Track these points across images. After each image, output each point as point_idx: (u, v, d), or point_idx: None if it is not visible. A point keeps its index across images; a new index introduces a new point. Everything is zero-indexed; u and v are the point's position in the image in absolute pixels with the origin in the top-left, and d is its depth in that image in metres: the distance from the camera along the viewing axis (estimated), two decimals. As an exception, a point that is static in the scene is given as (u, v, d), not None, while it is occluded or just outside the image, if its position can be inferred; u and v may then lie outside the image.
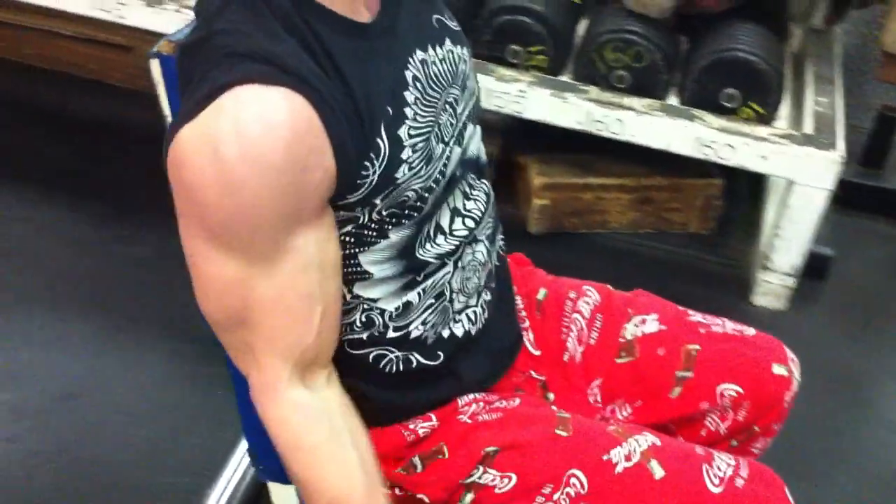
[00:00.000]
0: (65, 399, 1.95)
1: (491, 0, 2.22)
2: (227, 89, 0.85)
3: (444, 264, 1.08)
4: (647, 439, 1.10)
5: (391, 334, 1.08)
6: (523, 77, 2.16)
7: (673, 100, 2.17)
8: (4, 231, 2.36)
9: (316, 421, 0.99)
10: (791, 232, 2.13)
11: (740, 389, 1.20)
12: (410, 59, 1.00)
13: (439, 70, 1.03)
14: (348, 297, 1.04)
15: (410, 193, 0.98)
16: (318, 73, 0.89)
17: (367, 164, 0.93)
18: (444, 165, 1.03)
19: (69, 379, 1.99)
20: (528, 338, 1.27)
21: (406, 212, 1.00)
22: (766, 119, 2.11)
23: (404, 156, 0.96)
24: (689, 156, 2.12)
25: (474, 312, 1.14)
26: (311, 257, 0.93)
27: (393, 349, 1.09)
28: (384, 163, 0.95)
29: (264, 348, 0.95)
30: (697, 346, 1.22)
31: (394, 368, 1.10)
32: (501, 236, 1.24)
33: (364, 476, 1.00)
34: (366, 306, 1.05)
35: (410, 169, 0.97)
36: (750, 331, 1.26)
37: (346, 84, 0.92)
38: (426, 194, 1.00)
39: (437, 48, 1.04)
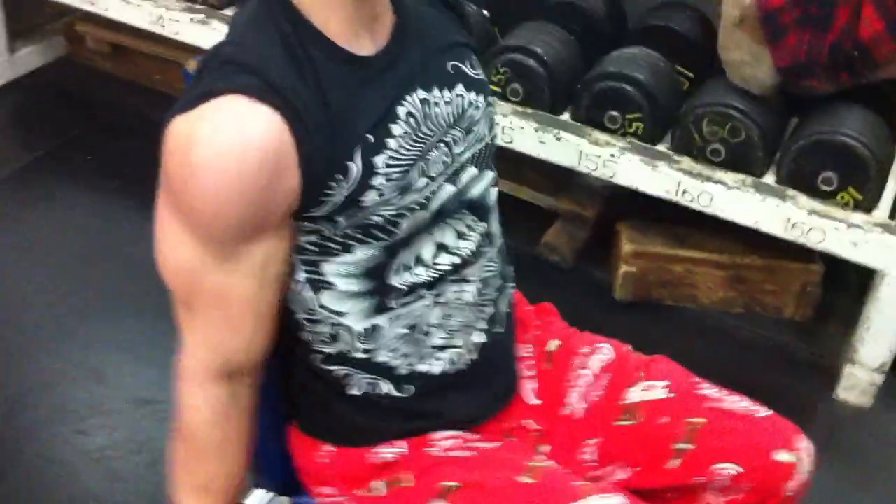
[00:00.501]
0: (140, 403, 2.07)
1: (596, 65, 2.26)
2: (218, 96, 0.93)
3: (420, 296, 1.11)
4: (612, 501, 1.07)
5: (358, 355, 1.12)
6: (616, 142, 2.18)
7: (770, 178, 2.13)
8: (133, 246, 2.53)
9: (224, 419, 1.07)
10: (880, 325, 2.04)
11: (739, 470, 1.16)
12: (409, 96, 1.06)
13: (441, 111, 1.09)
14: (316, 306, 1.09)
15: (377, 218, 1.03)
16: (302, 92, 0.97)
17: (333, 183, 0.99)
18: (426, 199, 1.07)
19: (149, 384, 2.11)
20: (531, 387, 1.28)
21: (372, 232, 1.04)
22: (865, 206, 2.04)
23: (375, 182, 1.02)
24: (780, 237, 2.07)
25: (458, 354, 1.16)
26: (256, 266, 1.00)
27: (360, 371, 1.13)
28: (352, 185, 1.00)
29: (198, 336, 1.03)
30: (702, 420, 1.19)
31: (361, 391, 1.14)
32: (512, 284, 1.26)
33: (235, 480, 1.11)
34: (333, 321, 1.09)
35: (380, 196, 1.02)
36: (764, 411, 1.22)
37: (327, 106, 0.98)
38: (398, 220, 1.05)
39: (445, 91, 1.10)
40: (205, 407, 1.06)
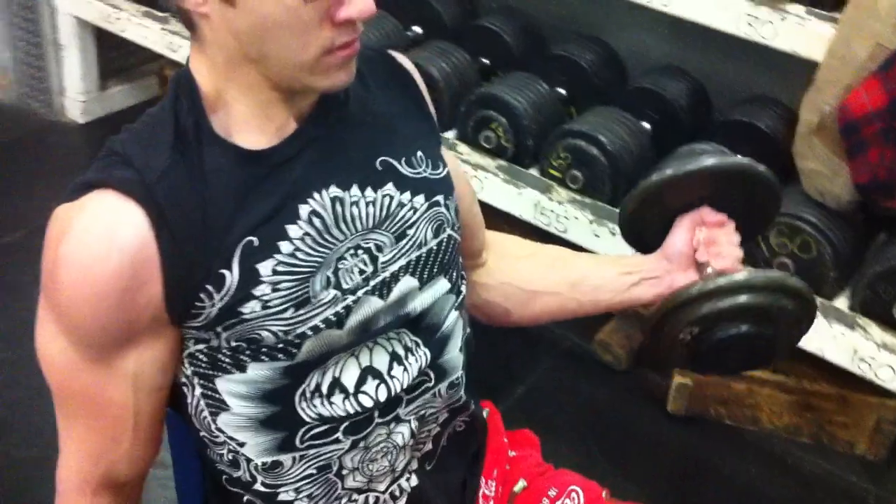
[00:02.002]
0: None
1: (662, 160, 2.10)
2: (93, 188, 0.87)
3: (336, 440, 0.97)
4: None
5: (259, 487, 1.00)
6: (675, 245, 2.01)
7: (841, 302, 1.92)
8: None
9: None
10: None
11: None
12: (316, 194, 0.93)
13: (358, 212, 0.95)
14: (213, 427, 0.98)
15: (265, 333, 0.91)
16: (180, 192, 0.88)
17: (203, 295, 0.89)
18: (337, 315, 0.94)
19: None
20: None
21: (264, 350, 0.92)
22: (947, 346, 1.81)
23: (258, 292, 0.90)
24: (846, 368, 1.86)
25: (377, 499, 1.03)
26: (129, 373, 0.91)
27: (263, 503, 1.01)
28: (227, 295, 0.89)
29: (76, 444, 0.95)
30: None
31: None
32: (463, 417, 1.12)
33: None
34: (231, 447, 0.98)
35: (265, 307, 0.90)
36: None
37: (207, 209, 0.89)
38: (297, 340, 0.92)
39: (367, 189, 0.96)
40: None
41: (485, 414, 1.21)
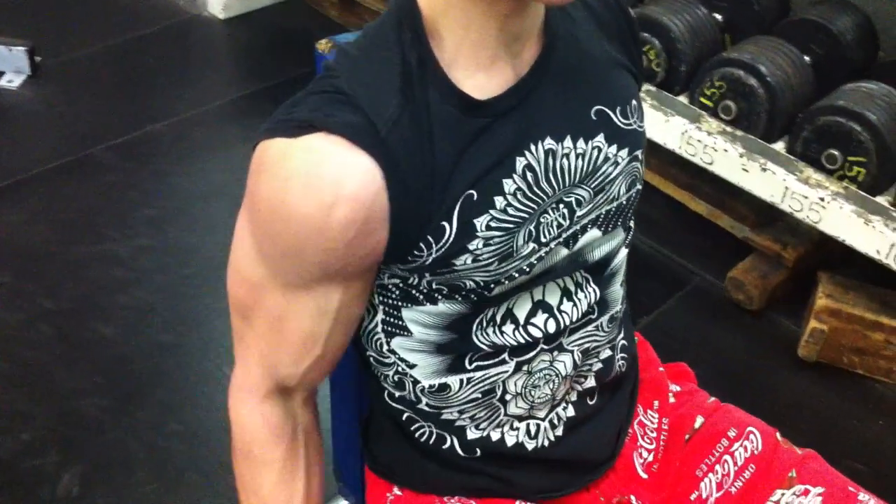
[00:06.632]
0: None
1: (826, 96, 2.01)
2: (319, 130, 0.82)
3: (503, 361, 0.97)
4: None
5: (423, 407, 1.01)
6: (830, 185, 1.93)
7: None
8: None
9: (278, 439, 0.97)
10: None
11: None
12: (532, 146, 0.89)
13: (568, 165, 0.91)
14: (385, 349, 0.98)
15: (469, 282, 0.90)
16: (410, 142, 0.84)
17: (422, 245, 0.87)
18: (530, 266, 0.92)
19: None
20: (643, 460, 1.12)
21: (462, 292, 0.91)
22: None
23: (472, 246, 0.88)
24: None
25: (538, 427, 1.03)
26: (329, 307, 0.90)
27: (426, 421, 1.02)
28: (444, 247, 0.87)
29: (254, 354, 0.94)
30: None
31: (426, 439, 1.03)
32: (623, 354, 1.10)
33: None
34: (400, 368, 0.98)
35: (475, 261, 0.88)
36: None
37: (432, 159, 0.85)
38: (493, 286, 0.91)
39: (579, 141, 0.92)
40: (259, 426, 0.97)
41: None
